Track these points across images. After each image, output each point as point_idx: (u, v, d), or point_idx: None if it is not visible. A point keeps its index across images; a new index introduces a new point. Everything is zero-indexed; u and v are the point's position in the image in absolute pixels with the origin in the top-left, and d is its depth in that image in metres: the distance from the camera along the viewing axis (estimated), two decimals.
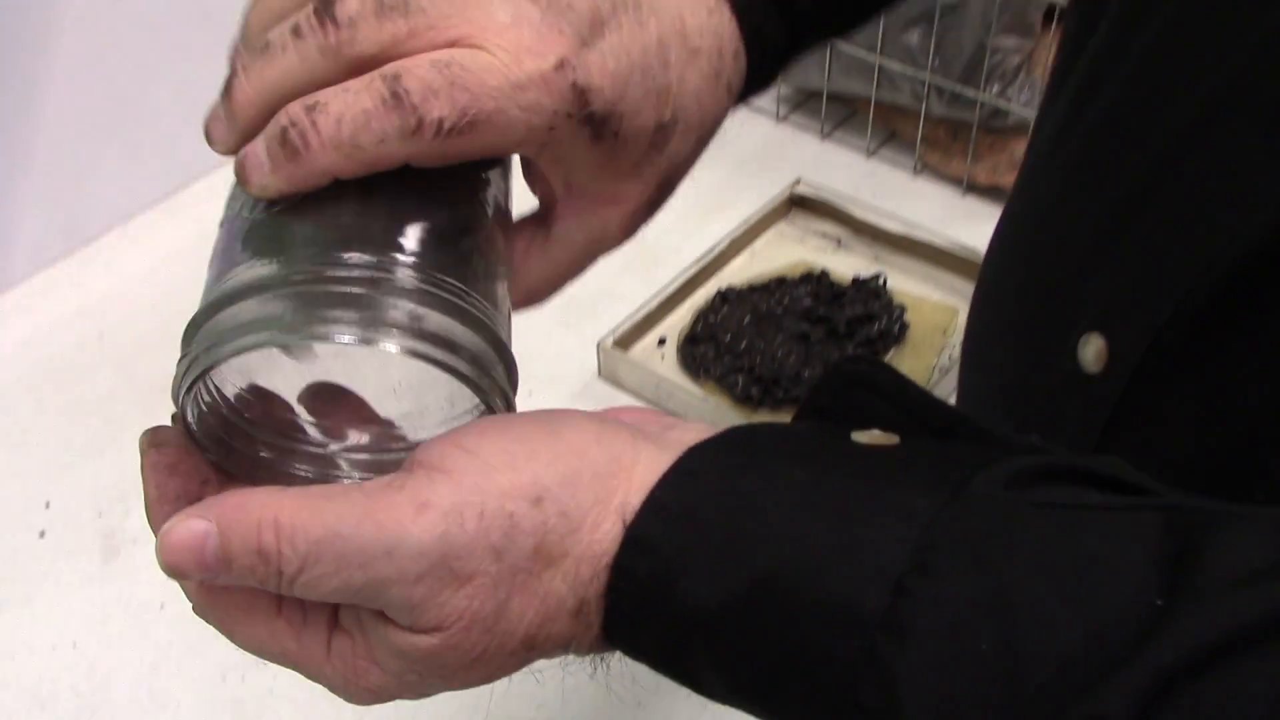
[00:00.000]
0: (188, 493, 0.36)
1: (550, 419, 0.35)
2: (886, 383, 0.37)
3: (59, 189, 1.02)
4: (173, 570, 0.33)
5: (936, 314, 0.93)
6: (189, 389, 0.36)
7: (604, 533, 0.34)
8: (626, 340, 0.91)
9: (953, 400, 0.65)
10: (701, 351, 0.90)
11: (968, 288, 0.95)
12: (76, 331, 0.96)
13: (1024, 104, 1.01)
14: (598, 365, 0.90)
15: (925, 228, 0.98)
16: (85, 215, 1.03)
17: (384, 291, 0.35)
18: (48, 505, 0.83)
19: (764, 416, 0.86)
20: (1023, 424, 0.53)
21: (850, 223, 1.01)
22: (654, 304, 0.93)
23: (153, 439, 0.37)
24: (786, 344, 0.89)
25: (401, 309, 0.35)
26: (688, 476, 0.34)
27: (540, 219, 0.43)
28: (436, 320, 0.35)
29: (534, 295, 0.43)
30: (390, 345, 0.34)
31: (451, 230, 0.38)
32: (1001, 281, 0.57)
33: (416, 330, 0.35)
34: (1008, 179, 1.03)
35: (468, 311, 0.36)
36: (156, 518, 0.36)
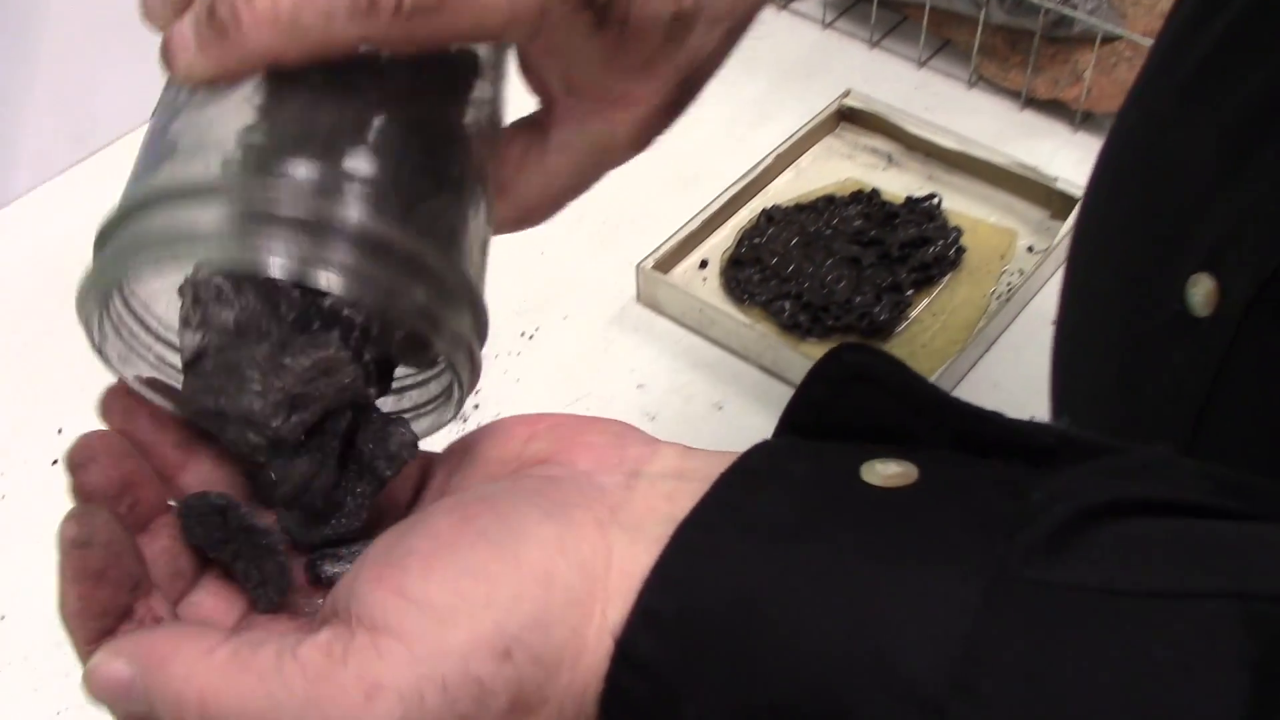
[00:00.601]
0: (115, 606, 0.32)
1: (501, 528, 0.30)
2: (890, 377, 0.32)
3: (66, 95, 0.96)
4: (100, 703, 0.31)
5: (994, 237, 0.88)
6: (99, 313, 0.33)
7: (586, 666, 0.29)
8: (666, 263, 0.86)
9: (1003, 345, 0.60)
10: (746, 275, 0.85)
11: (1027, 209, 0.90)
12: (86, 246, 0.91)
13: (1090, 11, 0.95)
14: (636, 289, 0.86)
15: (981, 144, 0.92)
16: (94, 123, 0.98)
17: (326, 213, 0.30)
18: (60, 431, 0.79)
19: (812, 345, 0.81)
20: (1129, 370, 0.49)
21: (902, 138, 0.95)
22: (695, 224, 0.87)
23: (75, 536, 0.32)
24: (836, 268, 0.84)
25: (346, 237, 0.30)
26: (678, 571, 0.29)
27: (537, 124, 0.37)
28: (387, 255, 0.30)
29: (529, 214, 0.38)
30: (329, 282, 0.29)
31: (418, 142, 0.32)
32: (1105, 216, 0.52)
33: (359, 268, 0.30)
34: (1070, 93, 0.97)
35: (428, 246, 0.31)
36: (79, 633, 0.32)
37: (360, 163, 0.31)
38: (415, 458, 0.37)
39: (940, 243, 0.86)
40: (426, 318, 0.31)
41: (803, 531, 0.28)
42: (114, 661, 0.31)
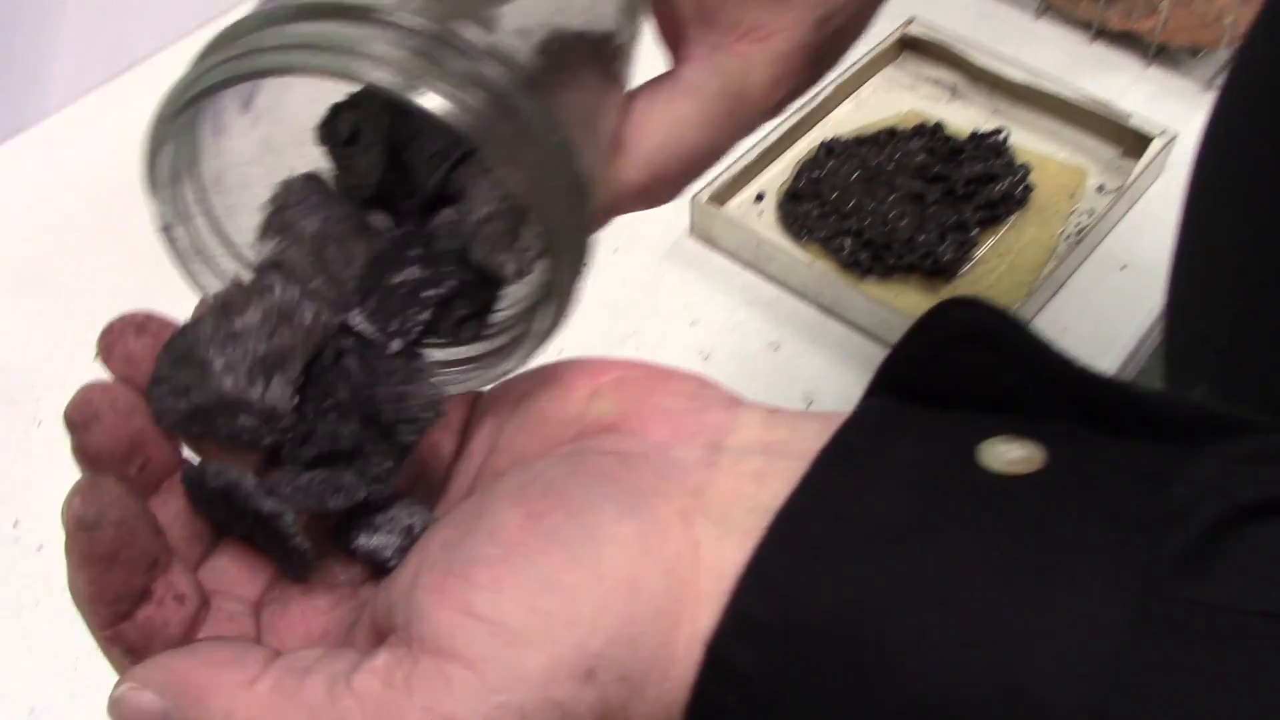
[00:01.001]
0: (131, 589, 0.29)
1: (576, 528, 0.27)
2: (1007, 337, 0.28)
3: (101, 6, 0.93)
4: None
5: (1063, 175, 0.85)
6: (183, 106, 0.29)
7: (675, 677, 0.27)
8: (722, 195, 0.83)
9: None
10: (804, 210, 0.82)
11: (1098, 147, 0.86)
12: (122, 165, 0.88)
13: None
14: (690, 222, 0.83)
15: (1050, 76, 0.88)
16: (130, 36, 0.95)
17: (488, 71, 0.28)
18: (97, 357, 0.77)
19: (872, 285, 0.78)
20: (1244, 320, 0.46)
21: (967, 69, 0.91)
22: (751, 156, 0.84)
23: (81, 516, 0.29)
24: (899, 204, 0.81)
25: (506, 100, 0.29)
26: (776, 572, 0.26)
27: (665, 76, 0.34)
28: (526, 114, 0.29)
29: (656, 177, 0.34)
30: (476, 132, 0.28)
31: (559, 44, 0.31)
32: (1227, 155, 0.48)
33: (501, 127, 0.28)
34: (1144, 25, 0.93)
35: (570, 146, 0.29)
36: (93, 619, 0.30)
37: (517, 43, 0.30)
38: (441, 416, 0.34)
39: (1007, 180, 0.82)
40: (566, 212, 0.29)
41: (916, 529, 0.25)
42: (143, 693, 0.28)
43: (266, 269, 0.35)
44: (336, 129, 0.36)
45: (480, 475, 0.34)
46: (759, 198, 0.84)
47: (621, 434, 0.31)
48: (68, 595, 0.67)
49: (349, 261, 0.35)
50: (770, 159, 0.86)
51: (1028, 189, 0.83)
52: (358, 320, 0.35)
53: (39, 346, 0.78)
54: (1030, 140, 0.87)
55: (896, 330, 0.75)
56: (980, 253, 0.80)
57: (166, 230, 0.34)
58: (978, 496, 0.26)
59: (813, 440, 0.28)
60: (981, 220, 0.81)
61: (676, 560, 0.27)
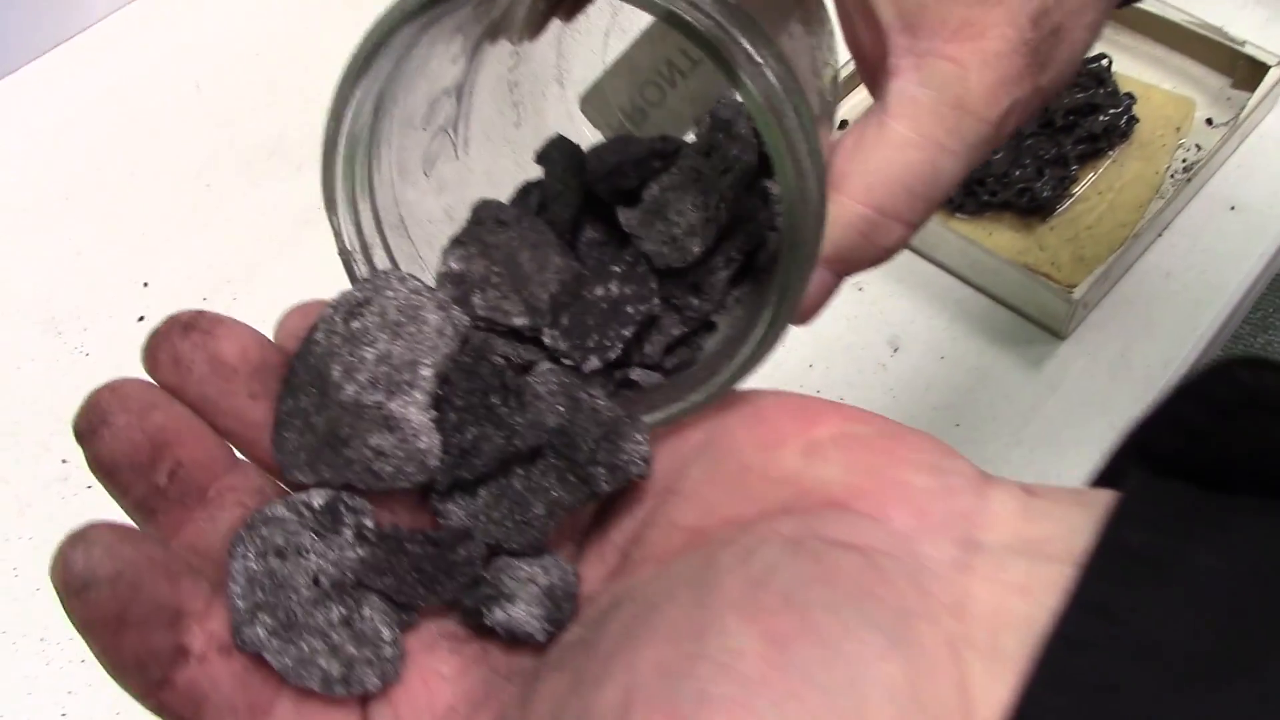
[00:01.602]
0: (154, 652, 0.25)
1: (833, 666, 0.22)
2: None
3: None
4: None
5: (1169, 106, 0.79)
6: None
7: None
8: None
9: None
10: None
11: (1207, 76, 0.80)
12: (168, 81, 0.84)
13: None
14: None
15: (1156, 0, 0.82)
16: None
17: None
18: (145, 285, 0.73)
19: (963, 222, 0.73)
20: None
21: None
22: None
23: (66, 579, 0.24)
24: None
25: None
26: (1057, 718, 0.21)
27: (869, 111, 0.31)
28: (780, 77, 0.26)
29: (878, 206, 0.30)
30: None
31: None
32: None
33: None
34: None
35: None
36: (124, 687, 0.25)
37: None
38: (645, 478, 0.29)
39: (1110, 111, 0.77)
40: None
41: (1228, 667, 0.21)
42: None
43: (444, 278, 0.32)
44: (527, 203, 0.35)
45: (653, 524, 0.29)
46: (842, 125, 0.79)
47: (855, 517, 0.26)
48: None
49: (542, 274, 0.32)
50: (852, 86, 0.80)
51: (1132, 121, 0.77)
52: (551, 337, 0.31)
53: (84, 273, 0.75)
54: (1135, 68, 0.81)
55: (988, 272, 0.70)
56: (1080, 190, 0.74)
57: (345, 255, 0.31)
58: None
59: (1083, 536, 0.24)
60: (1082, 154, 0.75)
61: (948, 709, 0.23)
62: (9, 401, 0.69)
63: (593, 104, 0.38)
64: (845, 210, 0.30)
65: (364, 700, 0.29)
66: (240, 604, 0.27)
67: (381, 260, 0.32)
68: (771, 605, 0.24)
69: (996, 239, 0.72)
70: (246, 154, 0.80)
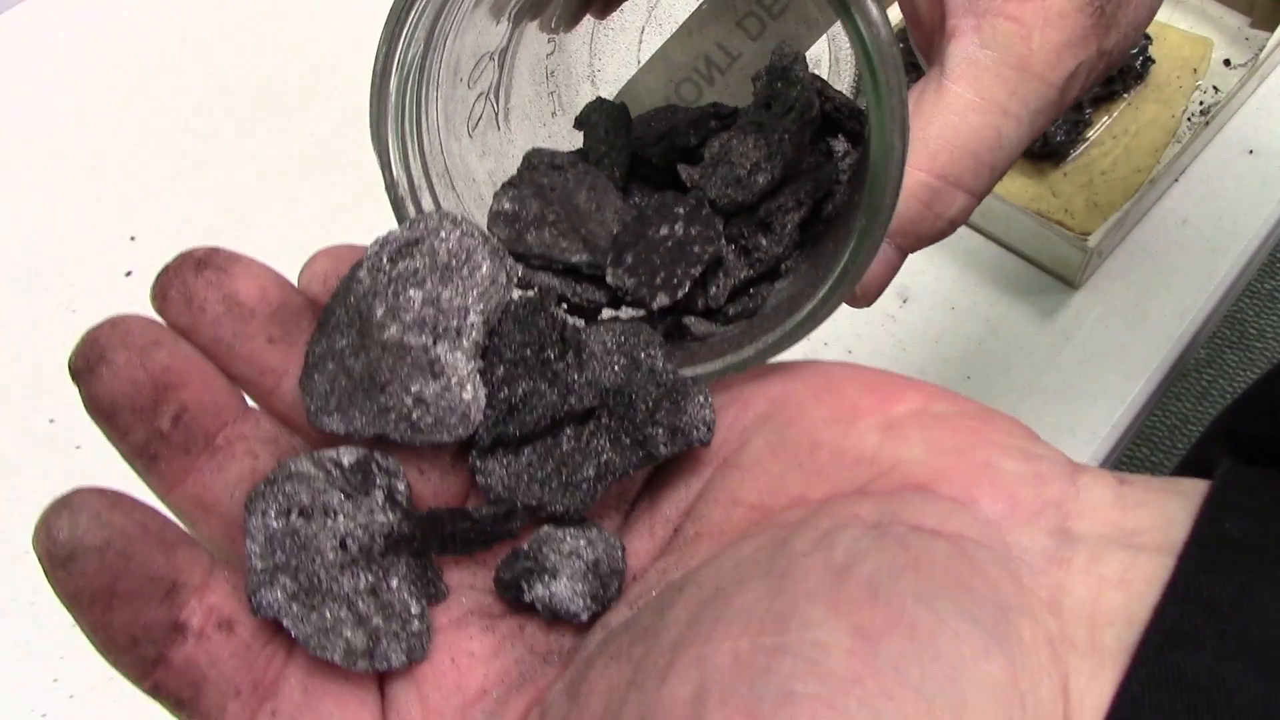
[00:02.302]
0: (147, 627, 0.23)
1: (928, 665, 0.20)
2: None
3: None
4: None
5: (1186, 46, 0.76)
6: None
7: None
8: None
9: None
10: None
11: (1224, 15, 0.78)
12: (154, 29, 0.82)
13: None
14: None
15: None
16: None
17: None
18: (133, 239, 0.71)
19: None
20: None
21: None
22: None
23: (49, 549, 0.22)
24: None
25: None
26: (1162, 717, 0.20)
27: (928, 75, 0.30)
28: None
29: (941, 172, 0.28)
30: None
31: None
32: None
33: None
34: None
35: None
36: (119, 668, 0.24)
37: None
38: (707, 444, 0.27)
39: None
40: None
41: None
42: None
43: (496, 216, 0.30)
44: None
45: (710, 498, 0.27)
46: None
47: (941, 502, 0.24)
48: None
49: (601, 213, 0.30)
50: None
51: (1147, 62, 0.75)
52: (615, 275, 0.30)
53: (70, 227, 0.73)
54: None
55: (999, 219, 0.68)
56: (1094, 134, 0.72)
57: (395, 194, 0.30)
58: None
59: (1180, 527, 0.22)
60: (1096, 97, 0.73)
61: (1050, 713, 0.21)
62: None
63: (627, 103, 0.36)
64: (909, 179, 0.28)
65: (382, 680, 0.27)
66: (258, 565, 0.25)
67: (429, 205, 0.31)
68: (858, 596, 0.22)
69: (1008, 185, 0.70)
70: (234, 103, 0.78)
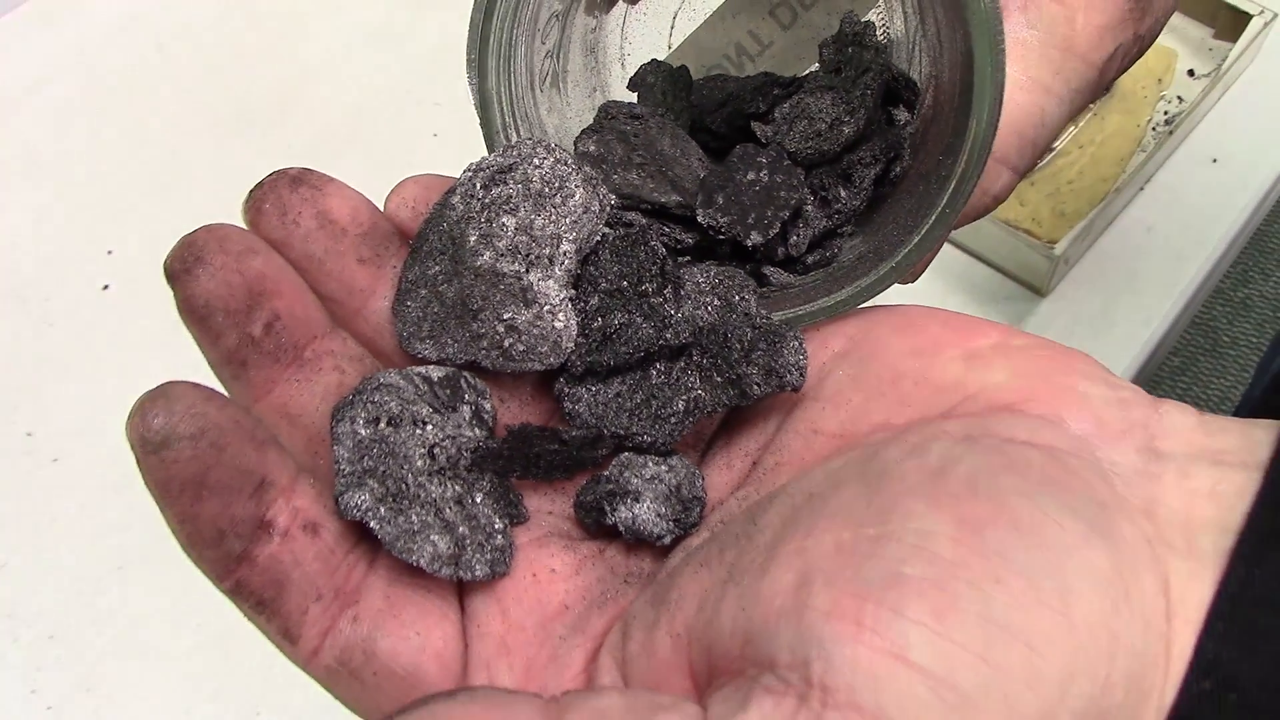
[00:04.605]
0: (234, 522, 0.23)
1: (1033, 550, 0.21)
2: None
3: None
4: None
5: (1151, 57, 0.77)
6: None
7: None
8: None
9: None
10: None
11: (1188, 26, 0.79)
12: (130, 43, 0.82)
13: None
14: None
15: None
16: None
17: None
18: (110, 253, 0.72)
19: None
20: None
21: None
22: None
23: (143, 434, 0.22)
24: None
25: None
26: (1259, 617, 0.20)
27: None
28: None
29: (995, 149, 0.29)
30: None
31: None
32: None
33: None
34: None
35: None
36: (201, 565, 0.23)
37: None
38: (799, 390, 0.27)
39: None
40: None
41: None
42: None
43: (582, 158, 0.30)
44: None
45: (789, 430, 0.28)
46: None
47: (1031, 419, 0.24)
48: (86, 514, 0.60)
49: (687, 159, 0.31)
50: None
51: None
52: (707, 215, 0.30)
53: (45, 240, 0.73)
54: None
55: (968, 230, 0.69)
56: (1060, 143, 0.73)
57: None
58: None
59: (1265, 448, 0.23)
60: None
61: (1153, 607, 0.21)
62: None
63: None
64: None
65: (462, 594, 0.27)
66: (345, 469, 0.25)
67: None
68: (958, 491, 0.22)
69: None
70: (212, 118, 0.78)
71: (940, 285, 0.69)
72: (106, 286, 0.70)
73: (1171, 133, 0.72)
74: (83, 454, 0.64)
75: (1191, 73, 0.77)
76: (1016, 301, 0.68)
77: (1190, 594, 0.22)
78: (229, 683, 0.57)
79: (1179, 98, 0.76)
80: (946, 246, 0.70)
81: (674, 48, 0.37)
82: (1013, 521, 0.21)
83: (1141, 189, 0.73)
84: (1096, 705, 0.20)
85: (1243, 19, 0.76)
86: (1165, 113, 0.75)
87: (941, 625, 0.20)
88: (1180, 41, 0.78)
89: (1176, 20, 0.79)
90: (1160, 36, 0.77)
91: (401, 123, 0.77)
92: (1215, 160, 0.74)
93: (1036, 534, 0.21)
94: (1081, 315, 0.67)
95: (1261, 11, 0.76)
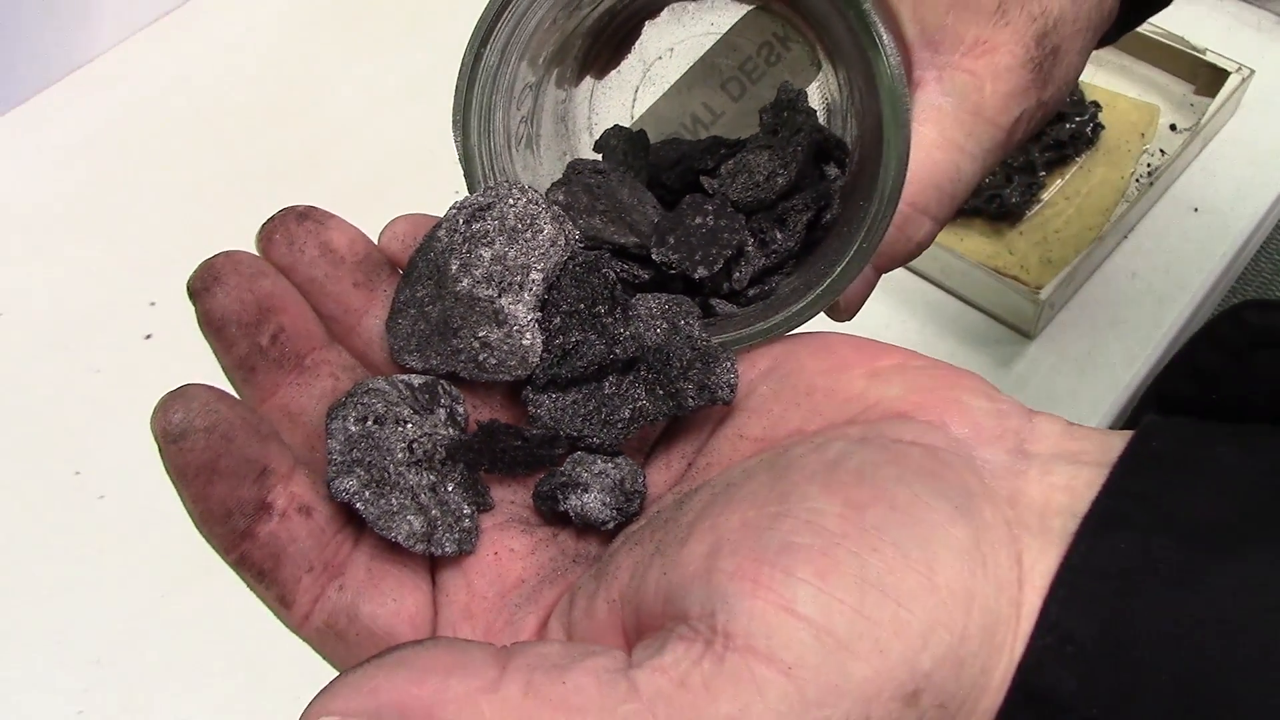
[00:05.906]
0: (240, 503, 0.27)
1: (905, 526, 0.24)
2: None
3: None
4: None
5: (1134, 113, 0.82)
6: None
7: (983, 711, 0.24)
8: None
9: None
10: None
11: (1170, 83, 0.83)
12: (172, 108, 0.88)
13: None
14: None
15: None
16: None
17: None
18: (153, 305, 0.76)
19: None
20: None
21: None
22: None
23: (165, 426, 0.27)
24: None
25: None
26: (1094, 582, 0.24)
27: None
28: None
29: (911, 200, 0.33)
30: None
31: None
32: None
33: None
34: None
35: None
36: (210, 540, 0.28)
37: None
38: (729, 404, 0.32)
39: (1076, 119, 0.80)
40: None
41: (1250, 535, 0.23)
42: (338, 702, 0.23)
43: (552, 196, 0.35)
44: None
45: (719, 435, 0.32)
46: None
47: (918, 423, 0.28)
48: (130, 546, 0.65)
49: (643, 206, 0.35)
50: None
51: (1097, 128, 0.80)
52: (660, 253, 0.35)
53: (93, 292, 0.78)
54: (1099, 76, 0.84)
55: (958, 275, 0.73)
56: (1048, 195, 0.77)
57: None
58: None
59: (1118, 451, 0.27)
60: (1049, 161, 0.78)
61: (1007, 575, 0.25)
62: (24, 416, 0.72)
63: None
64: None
65: (434, 569, 0.31)
66: (337, 458, 0.30)
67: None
68: (847, 480, 0.26)
69: (967, 244, 0.75)
70: (247, 176, 0.83)
71: (935, 328, 0.73)
72: (149, 336, 0.75)
73: (1153, 184, 0.76)
74: (127, 490, 0.69)
75: (1174, 127, 0.81)
76: (1005, 344, 0.72)
77: (1039, 565, 0.25)
78: (265, 704, 0.60)
79: (1161, 150, 0.79)
80: (937, 291, 0.74)
81: (636, 118, 0.42)
82: (890, 503, 0.25)
83: (1126, 237, 0.77)
84: (954, 652, 0.24)
85: (1221, 75, 0.80)
86: (1148, 165, 0.79)
87: (825, 584, 0.24)
88: (1162, 97, 0.83)
89: (1159, 77, 0.83)
90: (1143, 93, 0.81)
91: (421, 176, 0.81)
92: (1196, 209, 0.78)
93: (909, 513, 0.25)
94: (1068, 357, 0.71)
95: (1239, 69, 0.80)
